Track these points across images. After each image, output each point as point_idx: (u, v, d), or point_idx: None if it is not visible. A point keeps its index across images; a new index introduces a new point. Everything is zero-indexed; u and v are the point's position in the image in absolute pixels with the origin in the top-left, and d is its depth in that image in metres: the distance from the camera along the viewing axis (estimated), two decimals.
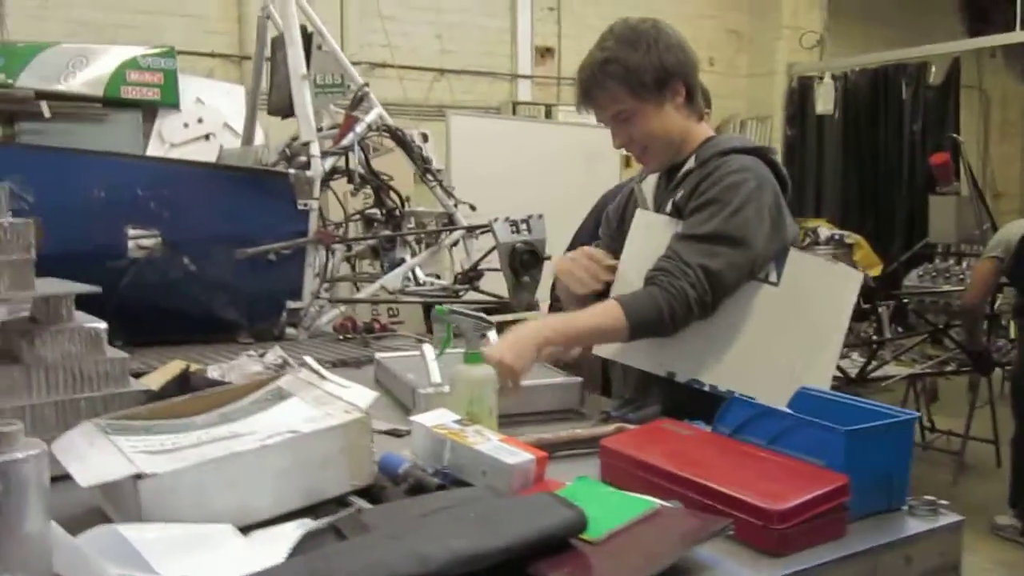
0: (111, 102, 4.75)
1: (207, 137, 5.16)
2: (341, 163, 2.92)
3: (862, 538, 1.17)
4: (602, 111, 1.79)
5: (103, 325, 1.44)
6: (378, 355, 2.09)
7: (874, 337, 4.31)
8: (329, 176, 2.83)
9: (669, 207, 1.77)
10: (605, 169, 5.27)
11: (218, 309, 2.47)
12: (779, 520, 1.09)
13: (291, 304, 2.54)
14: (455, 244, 2.95)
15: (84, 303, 2.33)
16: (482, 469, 1.28)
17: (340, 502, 1.22)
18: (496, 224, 2.68)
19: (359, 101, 2.72)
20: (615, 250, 1.88)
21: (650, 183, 1.92)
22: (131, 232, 2.32)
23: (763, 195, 1.68)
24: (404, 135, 2.80)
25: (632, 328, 1.64)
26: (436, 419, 1.40)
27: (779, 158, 1.81)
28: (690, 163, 1.81)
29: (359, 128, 2.65)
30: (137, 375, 1.78)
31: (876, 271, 5.85)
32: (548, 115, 6.33)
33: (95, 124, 4.78)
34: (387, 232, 2.86)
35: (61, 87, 4.61)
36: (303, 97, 2.58)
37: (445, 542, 0.96)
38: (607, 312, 1.65)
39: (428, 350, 1.75)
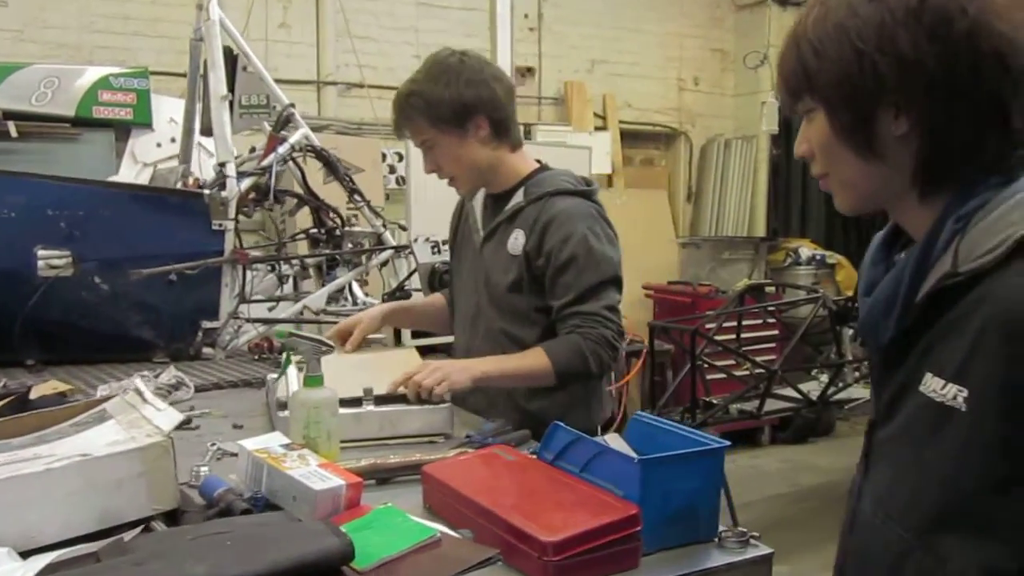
0: (83, 122, 4.79)
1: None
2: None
3: (658, 570, 1.16)
4: (411, 139, 1.93)
5: None
6: (269, 376, 2.09)
7: (834, 359, 4.26)
8: (263, 197, 2.85)
9: (518, 251, 1.88)
10: None
11: (132, 329, 2.48)
12: (554, 551, 1.07)
13: (207, 324, 2.54)
14: (384, 264, 2.95)
15: None
16: (292, 494, 1.28)
17: (141, 525, 1.22)
18: (416, 245, 2.70)
19: (285, 122, 2.73)
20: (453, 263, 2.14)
21: (479, 201, 2.02)
22: (41, 252, 2.33)
23: (600, 232, 1.85)
24: (330, 156, 2.81)
25: (558, 372, 1.81)
26: (262, 443, 1.40)
27: (600, 198, 1.96)
28: (518, 198, 1.91)
29: (282, 149, 2.67)
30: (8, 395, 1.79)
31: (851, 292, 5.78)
32: (527, 135, 6.34)
33: (68, 143, 4.83)
34: (310, 252, 2.87)
35: (33, 107, 4.66)
36: (221, 117, 2.60)
37: (183, 568, 0.96)
38: (534, 357, 1.82)
39: (292, 371, 1.74)
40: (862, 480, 1.04)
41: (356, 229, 3.08)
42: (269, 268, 2.80)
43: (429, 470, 1.34)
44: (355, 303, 3.12)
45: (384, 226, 2.91)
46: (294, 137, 2.75)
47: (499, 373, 1.82)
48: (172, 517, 1.25)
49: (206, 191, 2.48)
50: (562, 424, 1.33)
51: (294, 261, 2.96)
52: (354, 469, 1.39)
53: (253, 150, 2.96)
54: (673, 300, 6.20)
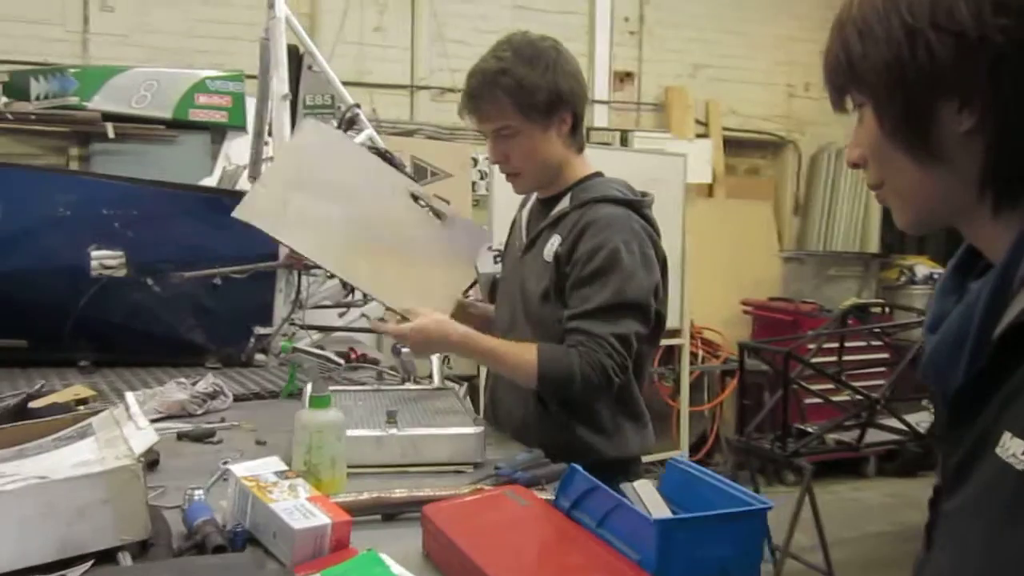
0: (180, 124, 4.89)
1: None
2: None
3: None
4: (486, 123, 1.74)
5: None
6: (307, 388, 1.98)
7: None
8: None
9: (551, 257, 1.74)
10: (669, 198, 4.99)
11: (184, 332, 2.43)
12: None
13: (260, 330, 2.47)
14: None
15: (43, 321, 2.33)
16: (273, 531, 1.15)
17: (107, 557, 1.11)
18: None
19: (349, 123, 2.64)
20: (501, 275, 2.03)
21: (527, 209, 1.91)
22: (94, 252, 2.30)
23: (636, 249, 1.67)
24: (394, 158, 2.69)
25: (540, 376, 1.66)
26: (255, 469, 1.27)
27: (652, 211, 1.78)
28: (564, 203, 1.77)
29: None
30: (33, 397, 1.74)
31: None
32: (624, 141, 6.12)
33: (165, 145, 4.93)
34: None
35: (132, 109, 4.77)
36: (281, 117, 2.53)
37: None
38: (526, 353, 1.68)
39: (308, 388, 1.62)
40: (924, 557, 0.82)
41: None
42: (328, 275, 2.70)
43: (429, 512, 1.18)
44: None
45: None
46: (359, 138, 2.65)
47: (482, 358, 1.81)
48: (144, 548, 1.14)
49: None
50: (579, 468, 1.15)
51: None
52: (352, 504, 1.25)
53: None
54: (773, 318, 5.85)
